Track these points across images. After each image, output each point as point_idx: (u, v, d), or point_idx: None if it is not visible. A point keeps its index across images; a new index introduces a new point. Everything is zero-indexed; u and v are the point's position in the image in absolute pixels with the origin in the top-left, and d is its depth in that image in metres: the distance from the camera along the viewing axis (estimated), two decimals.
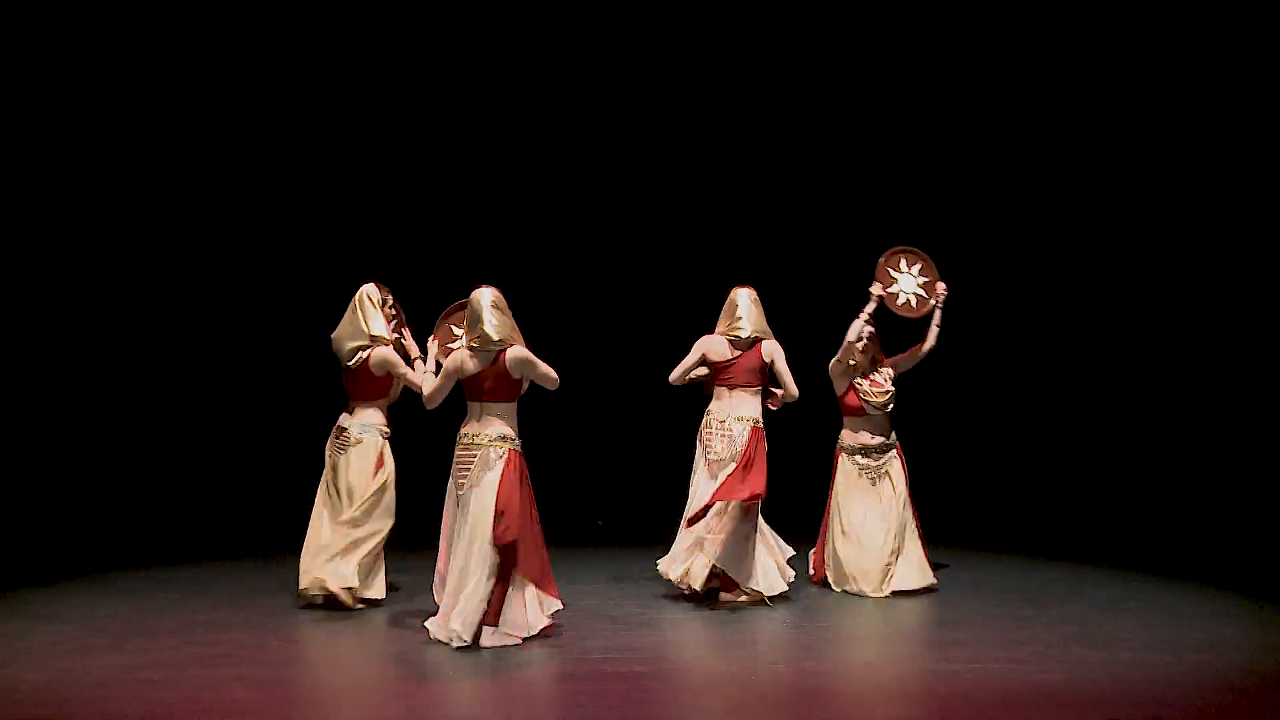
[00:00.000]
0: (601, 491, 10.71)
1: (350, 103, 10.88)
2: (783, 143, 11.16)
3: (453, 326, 7.32)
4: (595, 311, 10.89)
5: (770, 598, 7.54)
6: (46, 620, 7.01)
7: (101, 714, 5.39)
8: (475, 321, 6.58)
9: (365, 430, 7.45)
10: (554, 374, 6.66)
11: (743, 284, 7.82)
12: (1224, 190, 10.40)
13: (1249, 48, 10.08)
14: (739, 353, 7.68)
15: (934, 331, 8.05)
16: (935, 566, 8.02)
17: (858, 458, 8.01)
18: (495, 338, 6.53)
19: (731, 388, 7.68)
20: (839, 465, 8.07)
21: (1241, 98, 10.20)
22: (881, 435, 8.02)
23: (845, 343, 7.90)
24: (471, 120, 11.00)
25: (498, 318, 6.57)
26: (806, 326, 8.46)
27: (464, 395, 6.68)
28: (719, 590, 7.55)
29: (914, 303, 8.12)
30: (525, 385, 6.68)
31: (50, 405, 10.40)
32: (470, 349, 6.59)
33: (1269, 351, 10.10)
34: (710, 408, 7.74)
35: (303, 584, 7.33)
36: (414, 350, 7.51)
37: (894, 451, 8.03)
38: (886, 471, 7.98)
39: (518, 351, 6.57)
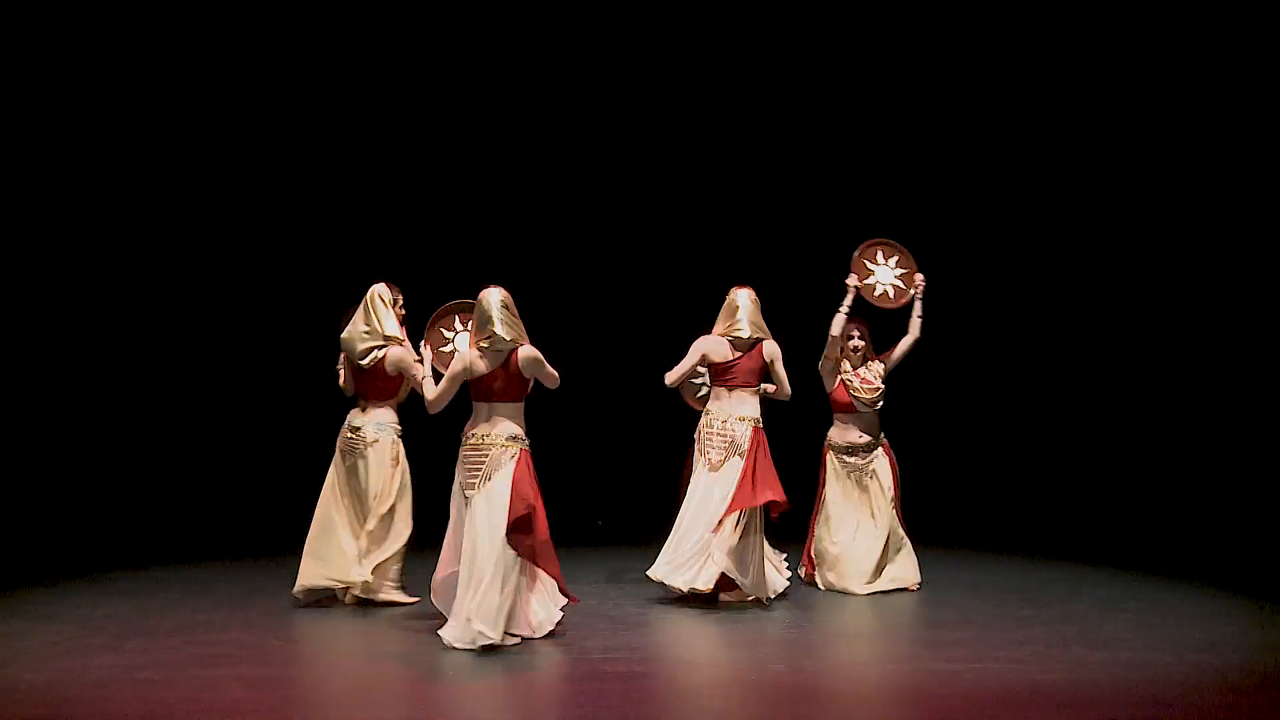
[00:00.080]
0: (601, 491, 10.71)
1: (356, 104, 10.89)
2: (781, 144, 11.17)
3: (443, 330, 7.31)
4: (595, 311, 10.88)
5: (770, 598, 7.53)
6: (46, 620, 7.01)
7: (101, 714, 5.39)
8: (485, 322, 6.55)
9: (381, 429, 7.46)
10: (556, 374, 6.68)
11: (741, 284, 7.81)
12: (1221, 187, 10.40)
13: (1244, 42, 10.08)
14: (740, 354, 7.66)
15: (916, 323, 8.05)
16: (923, 569, 8.03)
17: (844, 456, 8.02)
18: (508, 338, 6.52)
19: (731, 388, 7.66)
20: (827, 463, 8.08)
21: (1238, 92, 10.20)
22: (870, 434, 8.02)
23: (830, 337, 7.93)
24: (472, 121, 11.01)
25: (507, 317, 6.55)
26: (800, 326, 8.45)
27: (468, 396, 6.67)
28: (719, 590, 7.55)
29: (892, 294, 8.11)
30: (532, 385, 6.68)
31: (50, 405, 10.40)
32: (479, 349, 6.57)
33: (1268, 351, 10.10)
34: (709, 408, 7.72)
35: (316, 583, 7.33)
36: (413, 355, 7.51)
37: (880, 451, 8.03)
38: (874, 470, 7.99)
39: (529, 351, 6.56)
